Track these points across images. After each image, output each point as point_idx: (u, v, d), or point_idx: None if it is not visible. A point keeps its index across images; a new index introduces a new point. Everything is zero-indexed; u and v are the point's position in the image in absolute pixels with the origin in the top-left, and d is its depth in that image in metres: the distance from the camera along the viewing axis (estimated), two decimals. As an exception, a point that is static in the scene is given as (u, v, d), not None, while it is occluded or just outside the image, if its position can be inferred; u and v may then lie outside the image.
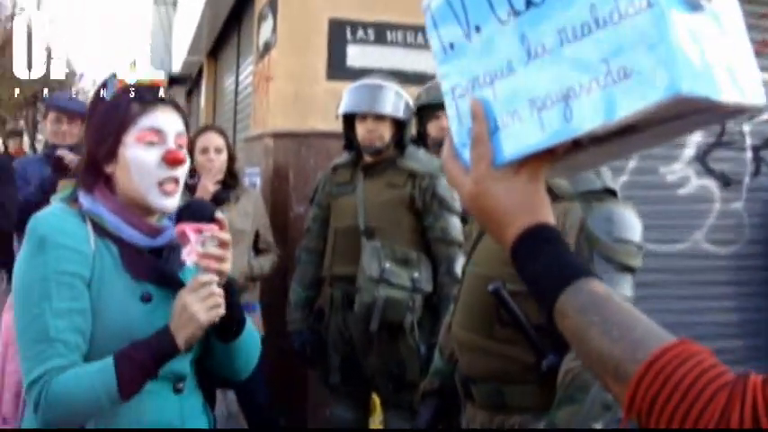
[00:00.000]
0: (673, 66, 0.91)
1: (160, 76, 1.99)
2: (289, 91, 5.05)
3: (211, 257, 1.84)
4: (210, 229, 1.85)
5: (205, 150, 4.08)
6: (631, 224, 2.27)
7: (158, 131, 1.89)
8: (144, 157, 1.87)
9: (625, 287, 2.22)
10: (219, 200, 4.03)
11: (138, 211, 1.91)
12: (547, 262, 1.09)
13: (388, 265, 3.59)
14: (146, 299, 1.85)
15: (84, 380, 1.71)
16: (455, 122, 1.20)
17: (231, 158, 4.22)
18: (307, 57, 5.03)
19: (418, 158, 3.78)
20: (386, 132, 3.74)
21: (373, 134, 3.72)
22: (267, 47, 5.51)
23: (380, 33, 5.15)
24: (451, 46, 1.20)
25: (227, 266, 1.87)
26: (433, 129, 4.08)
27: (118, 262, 1.84)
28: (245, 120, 7.44)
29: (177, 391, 1.93)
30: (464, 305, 2.38)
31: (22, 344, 1.75)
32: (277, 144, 5.04)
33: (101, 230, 1.85)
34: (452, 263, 3.63)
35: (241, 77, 8.11)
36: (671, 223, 5.64)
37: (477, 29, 1.15)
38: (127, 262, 1.85)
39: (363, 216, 3.76)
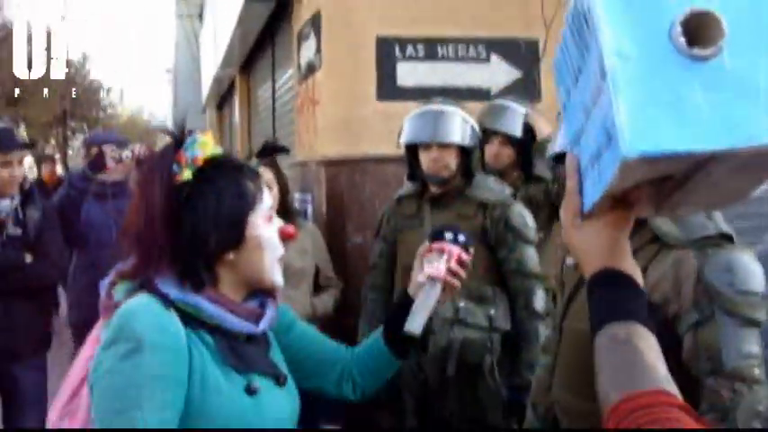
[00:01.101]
0: (620, 130, 0.97)
1: (218, 150, 1.78)
2: (337, 114, 4.85)
3: None
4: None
5: None
6: (754, 272, 2.09)
7: (271, 206, 1.81)
8: (272, 236, 1.79)
9: (751, 343, 2.03)
10: None
11: (243, 294, 1.78)
12: (596, 305, 1.22)
13: (462, 303, 3.38)
14: (251, 391, 1.70)
15: None
16: None
17: (283, 191, 3.98)
18: (355, 78, 4.83)
19: (488, 187, 3.56)
20: (452, 161, 3.52)
21: (438, 163, 3.51)
22: (311, 68, 5.30)
23: (430, 48, 4.94)
24: (564, 107, 1.33)
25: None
26: (485, 154, 3.88)
27: (216, 354, 1.67)
28: (286, 138, 7.24)
29: None
30: (566, 365, 2.22)
31: None
32: (329, 172, 4.83)
33: (193, 321, 1.66)
34: (531, 296, 3.43)
35: (278, 93, 7.93)
36: (743, 225, 5.37)
37: (569, 92, 1.28)
38: (227, 353, 1.69)
39: (433, 251, 3.53)
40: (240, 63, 10.87)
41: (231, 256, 1.71)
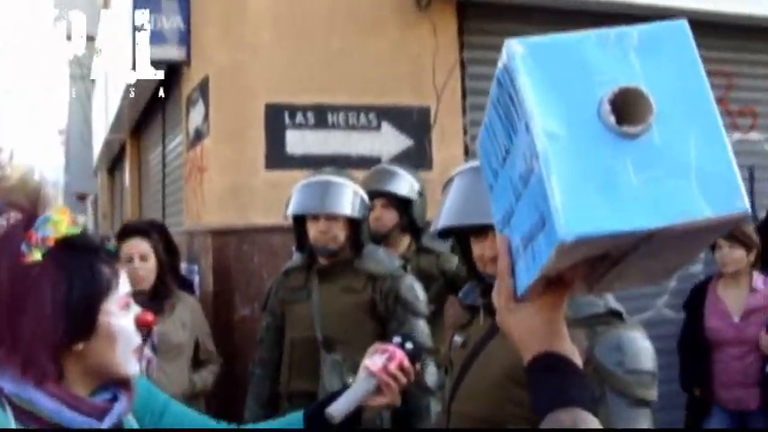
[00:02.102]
0: (555, 213, 0.95)
1: (73, 229, 1.62)
2: (225, 183, 4.74)
3: None
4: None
5: (129, 259, 3.69)
6: (643, 350, 2.06)
7: (128, 293, 1.64)
8: (127, 325, 1.62)
9: (642, 422, 2.00)
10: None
11: (92, 387, 1.61)
12: (538, 392, 1.19)
13: (350, 380, 3.26)
14: None
15: None
16: None
17: (161, 264, 3.84)
18: (243, 145, 4.73)
19: (377, 259, 3.49)
20: (340, 232, 3.44)
21: (326, 235, 3.42)
22: (199, 135, 5.18)
23: (320, 116, 4.89)
24: (491, 187, 1.28)
25: None
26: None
27: None
28: (175, 205, 7.08)
29: None
30: (456, 448, 2.15)
31: None
32: (216, 241, 4.70)
33: (30, 417, 1.50)
34: (422, 371, 3.33)
35: (168, 159, 7.75)
36: (636, 292, 5.46)
37: (496, 173, 1.23)
38: None
39: (320, 325, 3.44)
40: (130, 127, 10.64)
41: (80, 346, 1.55)
